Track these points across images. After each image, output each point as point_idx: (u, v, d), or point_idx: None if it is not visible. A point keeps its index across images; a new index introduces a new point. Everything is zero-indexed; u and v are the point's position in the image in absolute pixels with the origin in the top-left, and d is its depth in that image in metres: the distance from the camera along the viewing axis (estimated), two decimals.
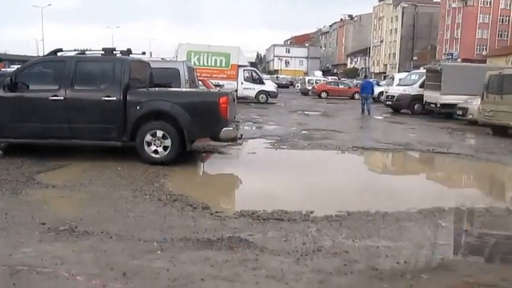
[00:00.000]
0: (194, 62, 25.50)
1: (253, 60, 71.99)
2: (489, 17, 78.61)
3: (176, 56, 28.77)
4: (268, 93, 31.25)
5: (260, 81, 31.54)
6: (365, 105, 24.45)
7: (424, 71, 25.71)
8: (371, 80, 33.47)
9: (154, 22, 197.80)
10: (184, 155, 9.12)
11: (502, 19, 78.42)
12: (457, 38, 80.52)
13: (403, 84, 26.90)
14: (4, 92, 8.89)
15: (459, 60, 68.12)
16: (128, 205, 6.24)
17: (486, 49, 77.95)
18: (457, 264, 4.51)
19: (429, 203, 6.62)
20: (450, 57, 76.71)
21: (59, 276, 4.04)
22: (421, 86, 24.53)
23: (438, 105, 22.34)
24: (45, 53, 10.17)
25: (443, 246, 5.05)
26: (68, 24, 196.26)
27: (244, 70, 30.68)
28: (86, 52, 9.67)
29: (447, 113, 21.65)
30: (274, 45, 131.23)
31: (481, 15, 78.63)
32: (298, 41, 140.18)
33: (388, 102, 26.81)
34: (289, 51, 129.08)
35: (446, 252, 4.85)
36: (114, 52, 9.55)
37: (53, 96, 8.76)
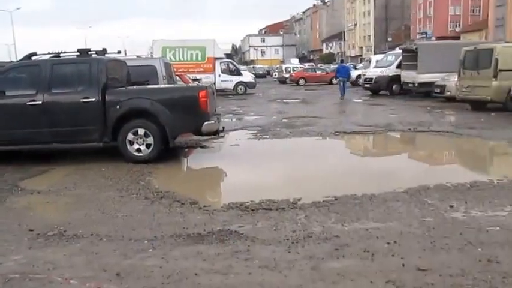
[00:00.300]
0: (170, 58, 25.30)
1: (229, 52, 71.85)
2: None
3: (151, 53, 28.57)
4: (246, 84, 31.17)
5: (237, 73, 31.47)
6: (342, 88, 25.29)
7: (400, 51, 25.89)
8: (346, 64, 33.77)
9: (126, 21, 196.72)
10: (167, 152, 9.11)
11: None
12: (430, 16, 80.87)
13: (380, 66, 27.09)
14: None
15: (433, 38, 68.53)
16: (115, 205, 6.22)
17: (459, 25, 78.44)
18: (447, 242, 4.56)
19: (414, 182, 6.73)
20: (424, 35, 77.03)
21: (53, 281, 4.02)
22: (398, 66, 24.82)
23: (416, 85, 22.57)
24: (19, 58, 10.02)
25: (432, 224, 5.10)
26: (39, 27, 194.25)
27: (220, 62, 30.56)
28: (61, 54, 9.55)
29: (425, 92, 21.88)
30: (249, 36, 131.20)
31: None
32: (272, 29, 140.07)
33: (366, 85, 27.05)
34: (264, 41, 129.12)
35: (436, 230, 4.90)
36: (89, 53, 9.46)
37: (30, 101, 8.69)
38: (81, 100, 8.71)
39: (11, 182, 7.64)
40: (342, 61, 36.36)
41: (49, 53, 9.61)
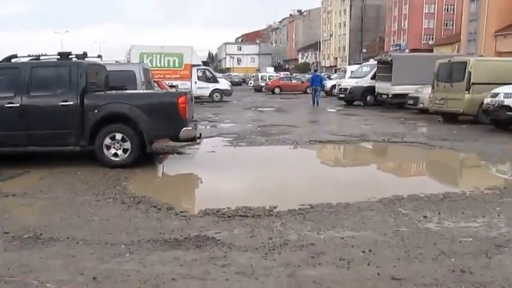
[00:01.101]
0: (147, 64, 25.13)
1: (205, 59, 71.57)
2: (434, 7, 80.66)
3: (128, 59, 28.34)
4: (222, 92, 31.09)
5: (214, 80, 31.37)
6: (315, 97, 26.44)
7: (375, 62, 26.23)
8: (320, 74, 34.98)
9: (102, 26, 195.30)
10: (144, 157, 9.09)
11: (447, 8, 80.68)
12: (404, 29, 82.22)
13: (355, 76, 27.32)
14: None
15: (407, 50, 69.69)
16: (91, 209, 6.20)
17: (433, 38, 79.98)
18: (421, 251, 4.65)
19: (388, 192, 6.83)
20: (398, 48, 78.36)
21: (28, 284, 4.00)
22: (373, 77, 25.08)
23: (390, 96, 22.87)
24: None
25: (406, 233, 5.18)
26: (16, 30, 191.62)
27: (197, 69, 30.43)
28: (41, 57, 9.48)
29: (398, 103, 22.15)
30: (226, 44, 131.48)
31: (426, 5, 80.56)
32: (249, 38, 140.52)
33: (341, 95, 27.25)
34: (240, 49, 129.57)
35: (410, 240, 4.98)
36: (70, 56, 9.39)
37: (8, 103, 8.60)
38: (60, 103, 8.66)
39: None
40: (315, 71, 37.42)
41: (29, 56, 9.54)
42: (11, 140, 8.76)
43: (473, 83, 15.61)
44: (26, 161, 9.16)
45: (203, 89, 30.04)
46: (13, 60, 9.41)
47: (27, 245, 4.91)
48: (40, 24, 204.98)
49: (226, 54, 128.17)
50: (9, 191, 7.19)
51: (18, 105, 8.62)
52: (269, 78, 48.55)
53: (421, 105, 19.59)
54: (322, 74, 46.82)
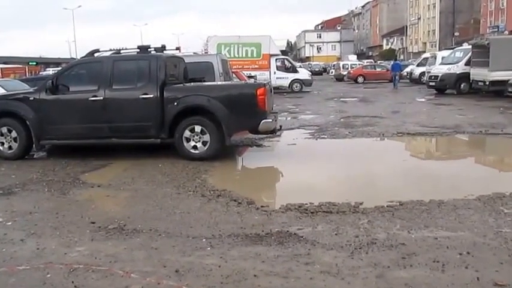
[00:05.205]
0: (225, 54, 25.22)
1: (284, 49, 71.03)
2: None
3: (205, 50, 28.55)
4: (302, 82, 30.61)
5: (293, 70, 30.96)
6: (395, 81, 31.91)
7: (470, 47, 24.56)
8: (399, 61, 41.10)
9: (178, 17, 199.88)
10: (222, 150, 9.06)
11: None
12: (502, 9, 76.63)
13: (446, 62, 25.62)
14: (46, 95, 9.08)
15: (506, 32, 65.42)
16: (172, 202, 6.29)
17: None
18: None
19: (488, 189, 6.32)
20: (496, 30, 73.12)
21: (114, 274, 4.11)
22: (467, 63, 23.46)
23: (487, 83, 21.36)
24: (80, 55, 10.28)
25: (509, 235, 4.74)
26: (96, 24, 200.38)
27: (276, 59, 30.09)
28: (122, 51, 9.69)
29: (497, 91, 20.81)
30: (305, 31, 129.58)
31: None
32: (329, 25, 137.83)
33: (431, 83, 25.65)
34: (320, 37, 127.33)
35: None
36: (149, 49, 9.51)
37: (92, 96, 8.86)
38: (140, 96, 8.82)
39: (73, 175, 7.91)
40: (395, 59, 45.67)
41: (110, 50, 9.77)
42: (95, 132, 9.05)
43: None
44: (111, 153, 9.40)
45: (282, 79, 29.70)
46: (96, 54, 9.68)
47: (112, 236, 5.05)
48: (120, 17, 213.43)
49: (305, 42, 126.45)
50: (94, 182, 7.47)
51: (101, 98, 8.86)
52: (351, 67, 46.92)
53: None
54: (410, 60, 53.82)
